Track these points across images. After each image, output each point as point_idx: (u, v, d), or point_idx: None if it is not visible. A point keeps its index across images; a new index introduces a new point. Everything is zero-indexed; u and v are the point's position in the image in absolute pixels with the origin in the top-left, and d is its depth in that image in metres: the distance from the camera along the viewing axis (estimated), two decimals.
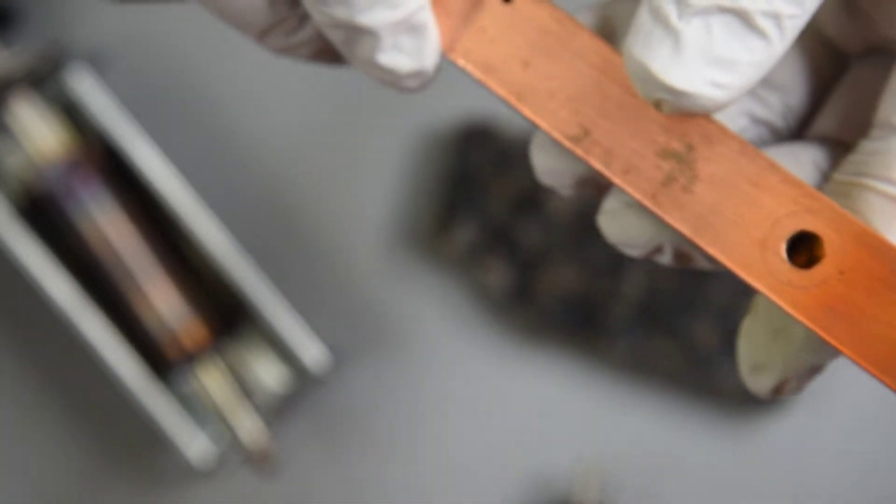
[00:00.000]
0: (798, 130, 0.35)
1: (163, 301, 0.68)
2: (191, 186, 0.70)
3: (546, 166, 0.33)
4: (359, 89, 0.73)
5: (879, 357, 0.29)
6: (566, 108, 0.31)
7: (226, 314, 0.70)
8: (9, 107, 0.69)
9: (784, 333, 0.32)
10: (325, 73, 0.72)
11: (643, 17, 0.29)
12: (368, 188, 0.73)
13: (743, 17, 0.29)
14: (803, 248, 0.30)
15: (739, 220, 0.30)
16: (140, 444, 0.72)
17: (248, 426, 0.68)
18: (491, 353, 0.72)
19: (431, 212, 0.72)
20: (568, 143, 0.31)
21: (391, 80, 0.32)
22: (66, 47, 0.71)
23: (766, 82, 0.34)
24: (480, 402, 0.72)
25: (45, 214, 0.68)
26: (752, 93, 0.34)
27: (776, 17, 0.29)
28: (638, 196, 0.31)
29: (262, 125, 0.74)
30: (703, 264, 0.33)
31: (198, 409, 0.69)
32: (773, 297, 0.30)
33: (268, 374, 0.70)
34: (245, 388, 0.70)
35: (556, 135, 0.31)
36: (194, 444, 0.68)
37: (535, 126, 0.32)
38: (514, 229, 0.71)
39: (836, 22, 0.35)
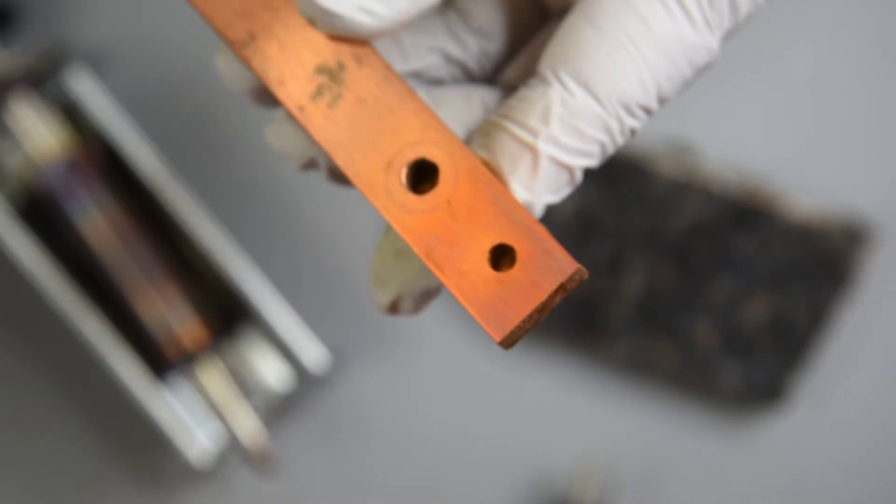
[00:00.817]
0: (493, 77, 0.36)
1: (163, 301, 0.68)
2: (191, 186, 0.70)
3: (226, 71, 0.34)
4: None
5: (469, 289, 0.30)
6: (238, 12, 0.32)
7: (226, 314, 0.70)
8: (9, 107, 0.69)
9: (405, 255, 0.34)
10: None
11: None
12: None
13: None
14: (429, 178, 0.32)
15: (372, 141, 0.31)
16: (140, 444, 0.72)
17: (248, 426, 0.68)
18: (491, 353, 0.72)
19: None
20: (234, 46, 0.32)
21: None
22: (66, 47, 0.71)
23: (468, 26, 0.35)
24: (480, 401, 0.72)
25: (45, 214, 0.68)
26: (452, 33, 0.35)
27: None
28: (287, 106, 0.32)
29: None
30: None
31: (198, 409, 0.69)
32: (387, 218, 0.31)
33: (268, 374, 0.70)
34: (245, 389, 0.70)
35: (224, 36, 0.32)
36: (194, 444, 0.68)
37: (210, 28, 0.33)
38: None
39: None
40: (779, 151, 0.72)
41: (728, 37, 0.33)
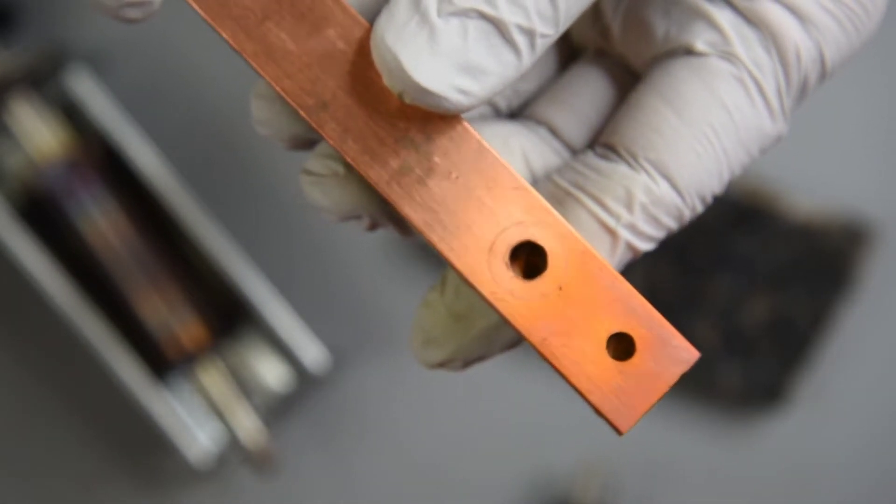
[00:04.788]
0: (519, 110, 0.35)
1: (163, 301, 0.68)
2: (191, 186, 0.70)
3: (263, 117, 0.33)
4: None
5: (588, 380, 0.29)
6: (305, 75, 0.30)
7: (226, 314, 0.70)
8: (9, 107, 0.69)
9: (465, 320, 0.33)
10: None
11: (401, 3, 0.28)
12: None
13: (500, 28, 0.28)
14: (531, 259, 0.30)
15: (470, 221, 0.30)
16: (140, 444, 0.72)
17: (248, 426, 0.68)
18: None
19: None
20: (302, 113, 0.30)
21: (110, 10, 0.30)
22: (66, 47, 0.71)
23: None
24: (480, 402, 0.72)
25: (45, 214, 0.68)
26: None
27: (531, 34, 0.28)
28: (373, 179, 0.30)
29: None
30: (393, 229, 0.33)
31: (198, 409, 0.69)
32: (495, 305, 0.29)
33: (268, 374, 0.70)
34: (245, 389, 0.70)
35: (290, 100, 0.30)
36: (194, 444, 0.68)
37: (261, 78, 0.31)
38: None
39: (579, 23, 0.34)
40: (779, 151, 0.71)
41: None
